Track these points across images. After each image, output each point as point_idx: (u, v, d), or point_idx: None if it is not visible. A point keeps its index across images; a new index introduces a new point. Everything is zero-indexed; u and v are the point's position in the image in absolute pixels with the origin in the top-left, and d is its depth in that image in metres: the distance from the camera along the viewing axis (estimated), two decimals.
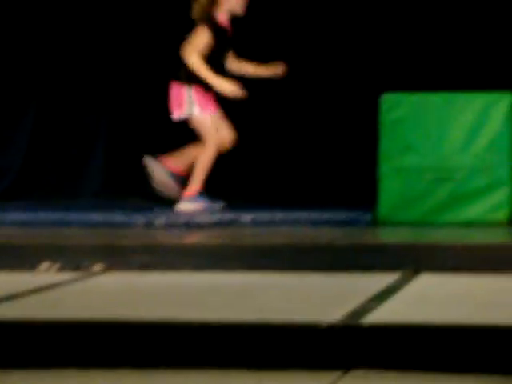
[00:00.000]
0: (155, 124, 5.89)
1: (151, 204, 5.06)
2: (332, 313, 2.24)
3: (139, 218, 4.44)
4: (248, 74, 4.87)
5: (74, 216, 4.84)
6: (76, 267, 2.97)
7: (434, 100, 4.62)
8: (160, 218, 4.47)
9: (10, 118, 6.19)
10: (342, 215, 4.69)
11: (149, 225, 4.43)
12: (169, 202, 4.96)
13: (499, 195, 4.41)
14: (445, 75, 5.42)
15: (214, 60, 4.70)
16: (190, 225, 4.47)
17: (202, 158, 4.69)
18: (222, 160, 5.20)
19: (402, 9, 5.76)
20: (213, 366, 2.05)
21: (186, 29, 5.11)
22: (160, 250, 4.04)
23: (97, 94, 6.14)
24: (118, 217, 4.65)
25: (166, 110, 5.24)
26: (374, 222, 4.56)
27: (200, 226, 4.54)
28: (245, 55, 5.30)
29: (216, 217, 4.56)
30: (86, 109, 6.17)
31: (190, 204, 4.71)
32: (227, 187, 5.56)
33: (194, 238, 4.46)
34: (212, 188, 5.04)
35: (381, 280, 2.80)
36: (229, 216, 4.58)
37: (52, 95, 6.22)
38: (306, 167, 5.86)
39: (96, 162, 6.22)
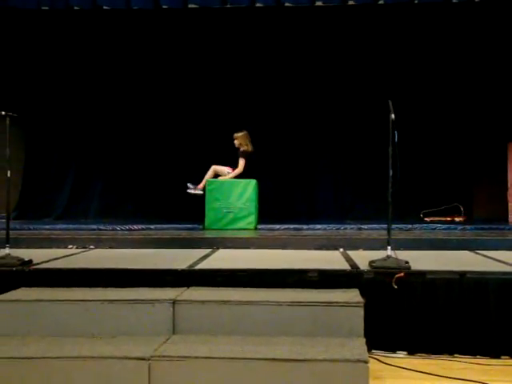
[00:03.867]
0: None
1: None
2: (182, 265, 3.77)
3: None
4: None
5: None
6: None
7: (224, 183, 7.45)
8: None
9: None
10: (189, 225, 7.17)
11: None
12: None
13: (251, 218, 7.40)
14: None
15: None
16: None
17: None
18: None
19: None
20: None
21: None
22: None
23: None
24: None
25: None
26: (203, 228, 7.19)
27: None
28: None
29: None
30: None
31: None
32: None
33: None
34: None
35: (203, 252, 4.52)
36: None
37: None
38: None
39: None
